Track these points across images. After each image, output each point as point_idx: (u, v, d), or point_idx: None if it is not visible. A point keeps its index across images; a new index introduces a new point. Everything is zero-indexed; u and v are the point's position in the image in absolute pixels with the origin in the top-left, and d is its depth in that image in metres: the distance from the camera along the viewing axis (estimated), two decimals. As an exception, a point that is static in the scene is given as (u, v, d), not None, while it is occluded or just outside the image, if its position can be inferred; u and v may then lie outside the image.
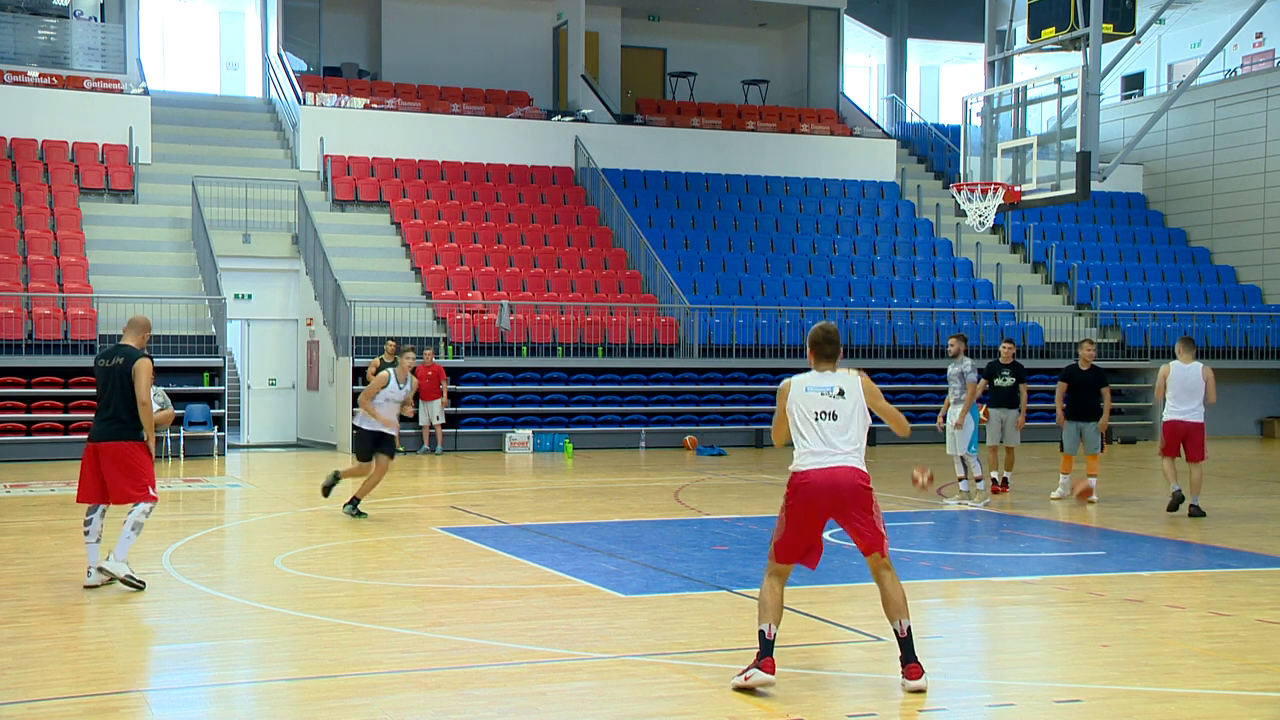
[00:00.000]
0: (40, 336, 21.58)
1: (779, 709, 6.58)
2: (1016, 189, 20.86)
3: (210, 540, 12.75)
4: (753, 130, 31.30)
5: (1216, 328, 28.48)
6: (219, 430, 21.71)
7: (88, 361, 21.34)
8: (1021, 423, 16.40)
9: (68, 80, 27.30)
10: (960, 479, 15.42)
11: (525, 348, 23.93)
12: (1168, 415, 14.50)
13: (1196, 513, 14.14)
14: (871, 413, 7.32)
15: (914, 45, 36.97)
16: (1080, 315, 28.56)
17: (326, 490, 14.15)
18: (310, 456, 22.35)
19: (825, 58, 33.61)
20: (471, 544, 12.05)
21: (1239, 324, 28.62)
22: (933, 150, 34.13)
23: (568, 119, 29.90)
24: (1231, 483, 18.13)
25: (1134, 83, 35.79)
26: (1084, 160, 20.03)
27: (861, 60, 38.32)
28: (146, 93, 27.46)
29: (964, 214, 21.98)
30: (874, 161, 31.87)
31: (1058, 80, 21.05)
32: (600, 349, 24.39)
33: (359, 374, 22.36)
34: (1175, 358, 14.69)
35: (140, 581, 9.62)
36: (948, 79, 39.49)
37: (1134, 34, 20.94)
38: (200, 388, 21.77)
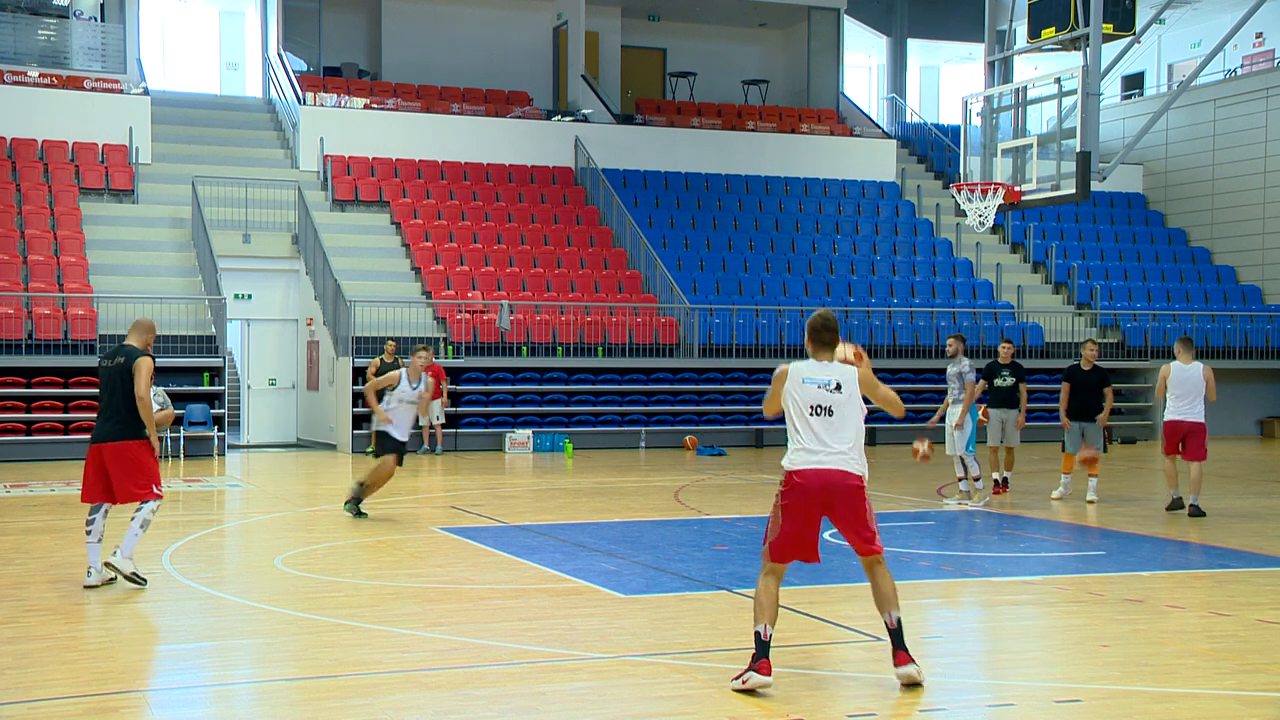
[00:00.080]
0: (40, 336, 21.58)
1: (779, 709, 6.58)
2: (1016, 189, 20.86)
3: (210, 540, 12.75)
4: (753, 130, 31.31)
5: (1216, 328, 28.48)
6: (219, 430, 21.71)
7: (88, 361, 21.36)
8: (1021, 422, 16.40)
9: (68, 80, 27.31)
10: (960, 479, 15.42)
11: (525, 348, 23.93)
12: (1169, 415, 14.54)
13: (1196, 513, 14.15)
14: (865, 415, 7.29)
15: (914, 45, 36.98)
16: (1080, 315, 28.56)
17: (354, 503, 13.79)
18: (310, 456, 22.36)
19: (825, 58, 33.61)
20: (471, 544, 12.05)
21: (1239, 324, 28.62)
22: (933, 150, 34.14)
23: (568, 119, 29.90)
24: (1231, 483, 18.14)
25: (1134, 83, 35.80)
26: (1084, 160, 20.03)
27: (861, 60, 38.33)
28: (146, 93, 27.46)
29: (964, 214, 21.98)
30: (874, 161, 31.87)
31: (1058, 80, 21.05)
32: (600, 349, 24.39)
33: (359, 374, 22.36)
34: (1174, 358, 14.74)
35: (143, 579, 9.71)
36: (948, 79, 39.50)
37: (1134, 34, 20.94)
38: (200, 388, 21.77)
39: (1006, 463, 16.57)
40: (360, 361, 22.39)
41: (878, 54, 37.64)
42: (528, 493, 17.13)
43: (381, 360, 22.12)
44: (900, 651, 6.99)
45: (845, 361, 7.24)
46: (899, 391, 24.89)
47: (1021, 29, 22.32)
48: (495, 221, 27.10)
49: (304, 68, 29.97)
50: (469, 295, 24.48)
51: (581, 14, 30.79)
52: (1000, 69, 22.16)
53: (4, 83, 26.41)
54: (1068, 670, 7.60)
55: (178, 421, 20.60)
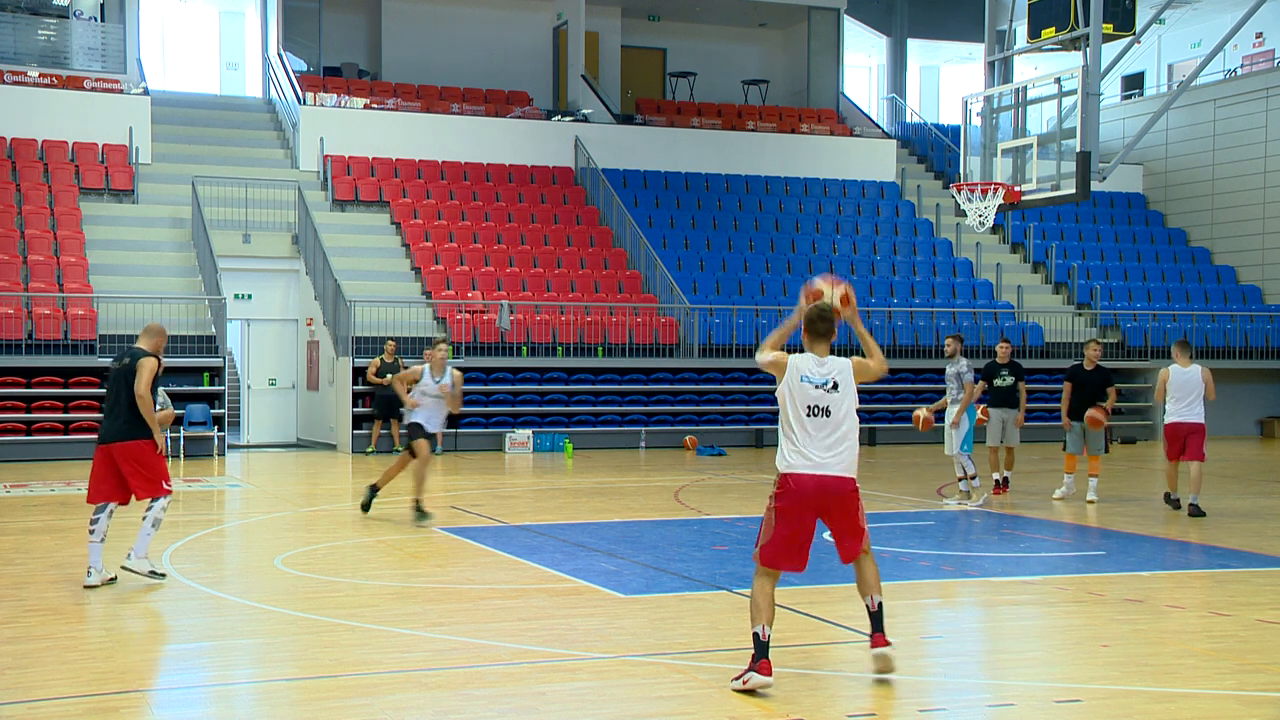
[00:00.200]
0: (40, 336, 21.58)
1: (779, 709, 6.58)
2: (1016, 189, 20.86)
3: (210, 540, 12.75)
4: (753, 130, 31.30)
5: (1216, 328, 28.48)
6: (219, 430, 21.71)
7: (88, 361, 21.37)
8: (1021, 420, 16.40)
9: (68, 80, 27.30)
10: (960, 479, 15.42)
11: (525, 348, 23.93)
12: (1169, 418, 14.60)
13: (1196, 512, 14.17)
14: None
15: (914, 45, 36.98)
16: (1080, 315, 28.56)
17: (366, 506, 13.75)
18: (310, 456, 22.36)
19: (825, 58, 33.61)
20: (471, 544, 12.06)
21: (1239, 324, 28.62)
22: (933, 150, 34.14)
23: (568, 119, 29.90)
24: (1231, 483, 18.14)
25: (1134, 83, 35.80)
26: (1084, 160, 20.03)
27: (861, 60, 38.33)
28: (146, 93, 27.46)
29: (964, 214, 21.98)
30: (874, 161, 31.87)
31: (1058, 80, 21.05)
32: (600, 349, 24.39)
33: (359, 374, 22.38)
34: (1172, 361, 14.80)
35: (162, 573, 9.93)
36: (948, 79, 39.49)
37: (1134, 34, 20.94)
38: (200, 388, 21.77)
39: (1007, 462, 16.57)
40: (360, 361, 22.40)
41: (878, 54, 37.64)
42: (528, 493, 17.13)
43: (381, 360, 22.14)
44: (878, 634, 7.11)
45: (837, 312, 7.21)
46: (897, 393, 25.02)
47: (1021, 29, 22.32)
48: (495, 221, 27.10)
49: (304, 68, 29.97)
50: (469, 295, 24.48)
51: (581, 14, 30.80)
52: (1000, 69, 22.16)
53: (4, 83, 26.41)
54: (1068, 670, 7.60)
55: (177, 421, 20.59)
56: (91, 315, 21.77)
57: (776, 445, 7.27)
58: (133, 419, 9.80)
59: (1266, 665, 7.59)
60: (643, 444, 23.86)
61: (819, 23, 33.51)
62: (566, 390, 23.83)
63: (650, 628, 8.53)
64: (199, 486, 17.41)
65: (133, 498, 9.98)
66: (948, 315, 27.04)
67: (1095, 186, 20.86)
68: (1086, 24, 20.28)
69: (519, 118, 29.55)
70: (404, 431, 13.97)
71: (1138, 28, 21.23)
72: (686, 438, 23.52)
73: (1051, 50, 21.87)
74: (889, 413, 25.22)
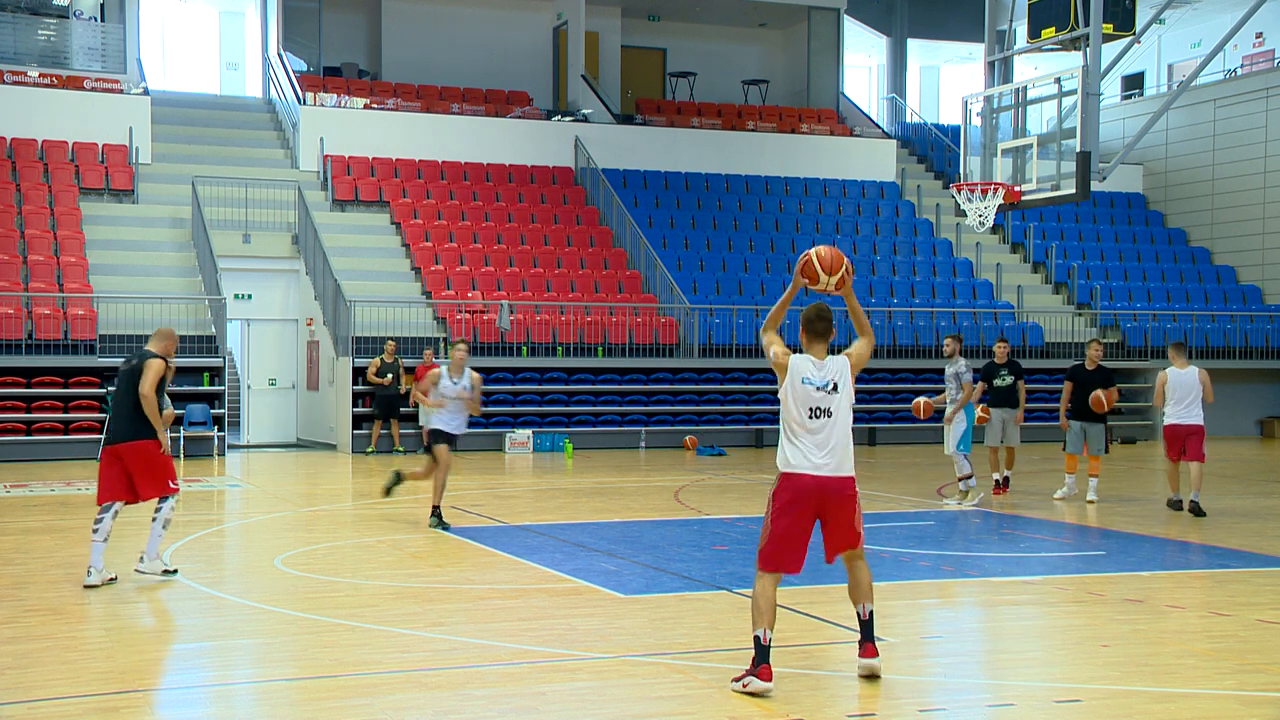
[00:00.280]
0: (40, 336, 21.58)
1: (779, 709, 6.58)
2: (1016, 189, 20.86)
3: (210, 540, 12.75)
4: (753, 130, 31.30)
5: (1216, 328, 28.48)
6: (219, 430, 21.71)
7: (88, 361, 21.38)
8: (1020, 419, 16.40)
9: (68, 80, 27.30)
10: (960, 479, 15.42)
11: (525, 348, 23.93)
12: (1168, 420, 14.65)
13: (1197, 509, 14.21)
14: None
15: (914, 45, 36.97)
16: (1080, 315, 28.56)
17: (388, 490, 13.81)
18: (310, 456, 22.36)
19: (825, 58, 33.61)
20: (471, 544, 12.06)
21: (1239, 324, 28.62)
22: (933, 150, 34.14)
23: (568, 119, 29.90)
24: (1231, 483, 18.14)
25: (1134, 83, 35.80)
26: (1084, 160, 20.03)
27: (861, 60, 38.33)
28: (146, 93, 27.46)
29: (964, 214, 21.98)
30: (874, 161, 31.87)
31: (1058, 80, 21.05)
32: (600, 349, 24.39)
33: (359, 374, 22.39)
34: (1170, 363, 14.86)
35: (174, 569, 10.08)
36: (948, 79, 39.49)
37: (1134, 34, 20.94)
38: (200, 388, 21.77)
39: (1007, 462, 16.57)
40: (360, 361, 22.41)
41: (878, 54, 37.64)
42: (528, 493, 17.13)
43: (381, 360, 22.15)
44: (869, 644, 7.09)
45: (836, 290, 7.18)
46: (897, 392, 25.02)
47: (1021, 29, 22.32)
48: (495, 221, 27.10)
49: (304, 68, 29.97)
50: (469, 295, 24.48)
51: (581, 14, 30.80)
52: (1000, 69, 22.16)
53: (4, 83, 26.41)
54: (1068, 670, 7.60)
55: (177, 421, 20.59)
56: (91, 315, 21.77)
57: (776, 445, 7.27)
58: (138, 419, 9.86)
59: (1266, 665, 7.59)
60: (643, 444, 23.86)
61: (819, 23, 33.51)
62: (566, 390, 23.83)
63: (650, 628, 8.53)
64: (199, 486, 17.41)
65: (135, 497, 10.03)
66: (948, 315, 27.04)
67: (1095, 186, 20.86)
68: (1086, 24, 20.28)
69: (519, 118, 29.56)
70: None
71: (1138, 28, 21.23)
72: (686, 438, 23.52)
73: (1051, 50, 21.88)
74: (889, 413, 25.22)
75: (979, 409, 15.92)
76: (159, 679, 7.48)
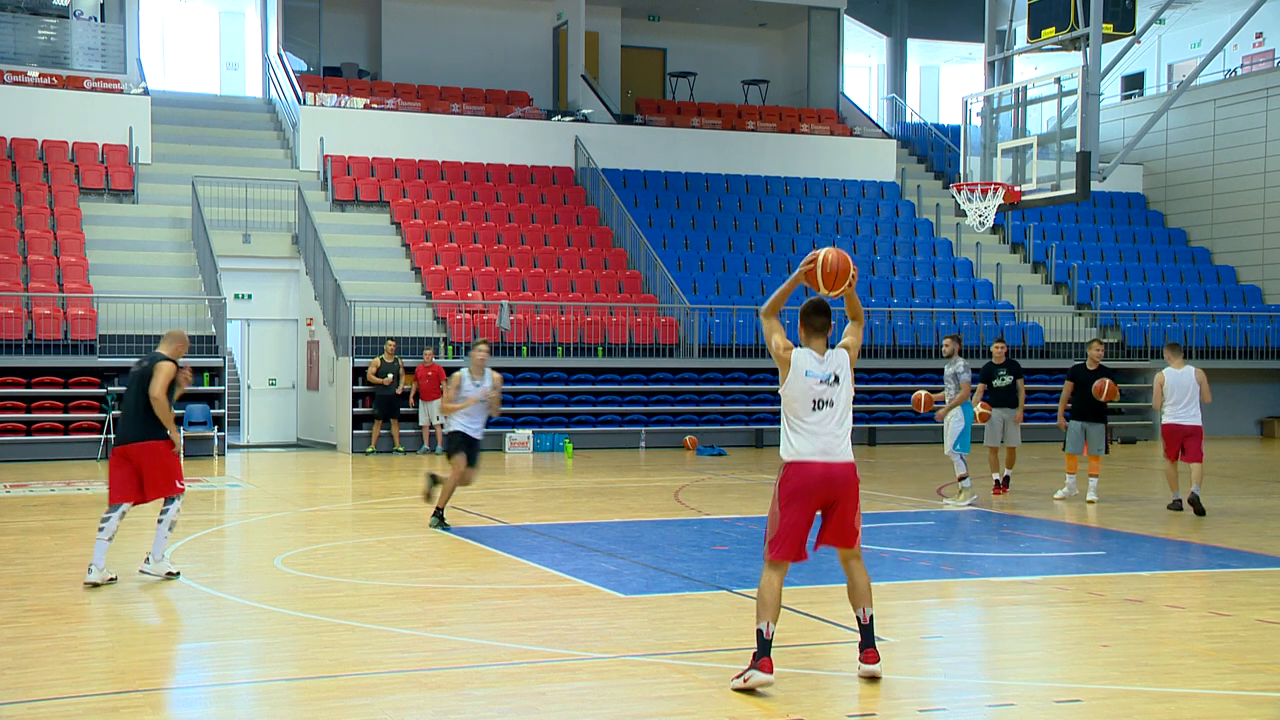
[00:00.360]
0: (40, 336, 21.58)
1: (779, 709, 6.58)
2: (1016, 189, 20.86)
3: (210, 540, 12.75)
4: (753, 130, 31.30)
5: (1216, 328, 28.49)
6: (219, 430, 21.71)
7: (88, 361, 21.39)
8: (1020, 418, 16.40)
9: (68, 80, 27.30)
10: (965, 477, 15.42)
11: (525, 348, 23.93)
12: (1166, 419, 14.74)
13: (1196, 503, 14.30)
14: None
15: (914, 45, 36.97)
16: (1080, 315, 28.56)
17: (428, 495, 13.35)
18: (310, 457, 22.36)
19: (825, 58, 33.61)
20: (471, 544, 12.06)
21: (1239, 324, 28.62)
22: (933, 150, 34.14)
23: (568, 119, 29.90)
24: (1231, 483, 18.14)
25: (1134, 83, 35.80)
26: (1084, 160, 20.03)
27: (861, 60, 38.33)
28: (146, 93, 27.46)
29: (964, 214, 21.98)
30: (874, 161, 31.87)
31: (1058, 80, 21.05)
32: (600, 349, 24.39)
33: (359, 374, 22.39)
34: (1166, 363, 14.93)
35: (177, 571, 10.09)
36: (948, 79, 39.49)
37: (1134, 34, 20.94)
38: (200, 388, 21.76)
39: (1008, 461, 16.57)
40: (360, 361, 22.41)
41: (878, 54, 37.64)
42: (528, 493, 17.13)
43: (381, 360, 22.15)
44: (870, 649, 7.09)
45: (834, 296, 7.30)
46: (897, 392, 25.02)
47: (1021, 29, 22.32)
48: (495, 221, 27.10)
49: (304, 68, 29.97)
50: (469, 295, 24.48)
51: (581, 14, 30.80)
52: (1000, 69, 22.16)
53: (4, 83, 26.41)
54: (1068, 670, 7.60)
55: (177, 421, 20.53)
56: (91, 315, 21.77)
57: (777, 445, 7.28)
58: (148, 420, 9.94)
59: (1266, 665, 7.59)
60: (643, 444, 23.86)
61: (819, 23, 33.51)
62: (566, 390, 23.83)
63: (650, 628, 8.53)
64: (199, 486, 17.40)
65: (143, 497, 10.11)
66: (948, 315, 27.04)
67: (1095, 186, 20.86)
68: (1086, 24, 20.28)
69: (519, 118, 29.56)
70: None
71: (1138, 28, 21.23)
72: (686, 438, 23.52)
73: (1051, 50, 21.87)
74: (889, 413, 25.23)
75: (979, 407, 15.92)
76: (159, 679, 7.48)
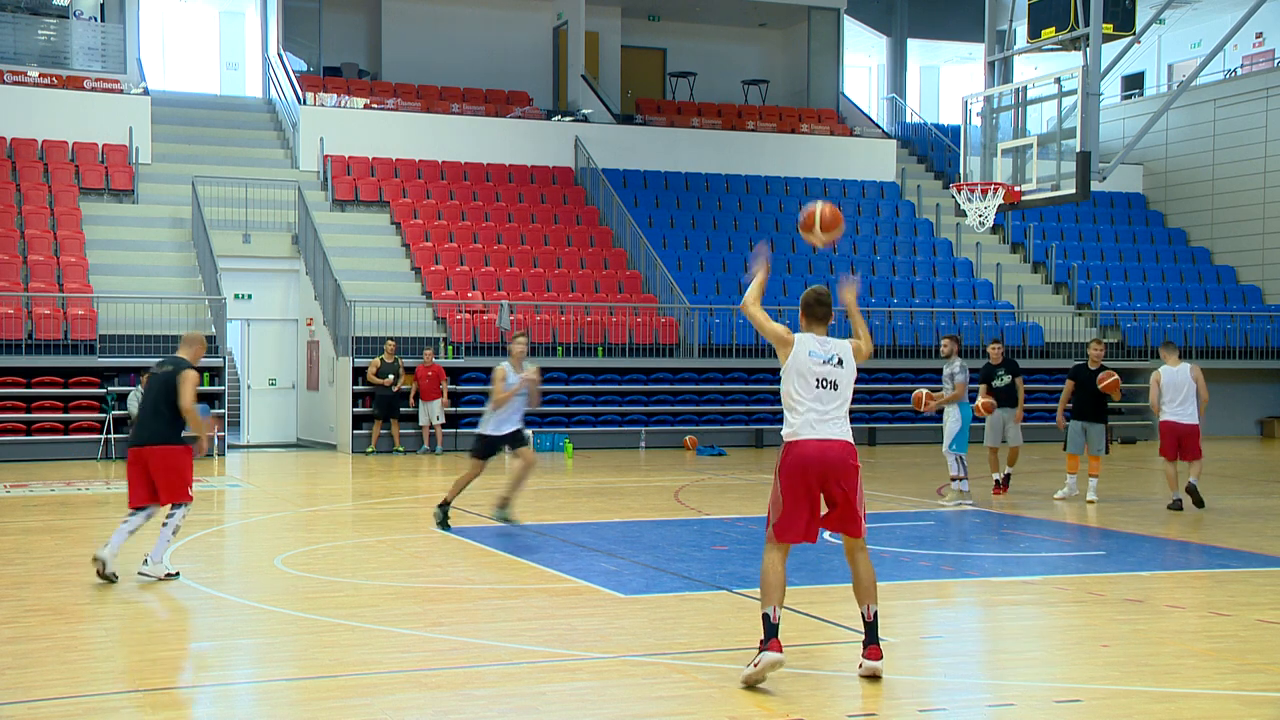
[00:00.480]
0: (40, 336, 21.58)
1: (779, 709, 6.58)
2: (1016, 189, 20.86)
3: (210, 540, 12.75)
4: (753, 130, 31.31)
5: (1216, 328, 28.48)
6: (219, 430, 21.70)
7: (88, 361, 21.39)
8: (1020, 416, 16.40)
9: (68, 80, 27.30)
10: (960, 478, 15.42)
11: (525, 348, 23.89)
12: (1163, 416, 14.83)
13: (1195, 495, 14.44)
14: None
15: (914, 45, 36.97)
16: (1080, 315, 28.56)
17: (443, 516, 13.14)
18: (310, 457, 22.36)
19: (825, 58, 33.61)
20: (471, 544, 12.05)
21: (1239, 324, 28.62)
22: (933, 150, 34.14)
23: (568, 119, 29.91)
24: (1231, 483, 18.14)
25: (1134, 83, 35.80)
26: (1084, 160, 20.03)
27: (861, 60, 38.33)
28: (146, 93, 27.46)
29: (964, 214, 21.98)
30: (874, 161, 31.87)
31: (1058, 80, 21.05)
32: (600, 349, 24.39)
33: (359, 374, 22.39)
34: (1162, 362, 15.02)
35: (176, 572, 10.10)
36: (948, 79, 39.49)
37: (1134, 34, 20.95)
38: (200, 388, 21.71)
39: (1010, 459, 16.57)
40: (360, 361, 22.41)
41: (878, 54, 37.64)
42: (528, 493, 17.10)
43: (381, 360, 22.15)
44: (874, 645, 7.10)
45: (823, 244, 7.59)
46: (897, 392, 25.01)
47: (1021, 29, 22.32)
48: (495, 221, 27.10)
49: (304, 68, 29.97)
50: (469, 295, 24.48)
51: (581, 14, 30.79)
52: (1000, 69, 22.16)
53: (4, 83, 26.41)
54: (1068, 670, 7.60)
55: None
56: (91, 315, 21.77)
57: (777, 445, 7.28)
58: (165, 424, 10.07)
59: (1266, 665, 7.58)
60: (643, 444, 23.86)
61: (819, 23, 33.51)
62: (566, 390, 23.83)
63: (650, 628, 8.53)
64: (199, 486, 17.36)
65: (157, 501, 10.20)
66: (948, 315, 27.04)
67: (1095, 186, 20.86)
68: (1086, 24, 20.28)
69: (519, 118, 29.56)
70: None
71: (1138, 28, 21.23)
72: (686, 438, 23.52)
73: (1051, 50, 21.88)
74: (889, 413, 25.23)
75: (982, 398, 15.91)
76: (159, 679, 7.47)
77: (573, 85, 30.97)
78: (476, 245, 26.17)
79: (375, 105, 28.74)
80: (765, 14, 33.63)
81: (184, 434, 10.18)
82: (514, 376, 13.09)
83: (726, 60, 34.15)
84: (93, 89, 27.15)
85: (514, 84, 31.30)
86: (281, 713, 6.77)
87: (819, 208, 7.58)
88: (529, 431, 13.21)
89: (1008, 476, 16.49)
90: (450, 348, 23.54)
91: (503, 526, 13.21)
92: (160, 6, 31.29)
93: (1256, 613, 9.02)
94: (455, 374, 23.07)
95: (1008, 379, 16.38)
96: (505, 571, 10.71)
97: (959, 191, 21.44)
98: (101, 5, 28.93)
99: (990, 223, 21.20)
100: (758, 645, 6.98)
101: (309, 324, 24.89)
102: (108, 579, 9.84)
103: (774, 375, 23.63)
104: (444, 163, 28.41)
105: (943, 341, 15.63)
